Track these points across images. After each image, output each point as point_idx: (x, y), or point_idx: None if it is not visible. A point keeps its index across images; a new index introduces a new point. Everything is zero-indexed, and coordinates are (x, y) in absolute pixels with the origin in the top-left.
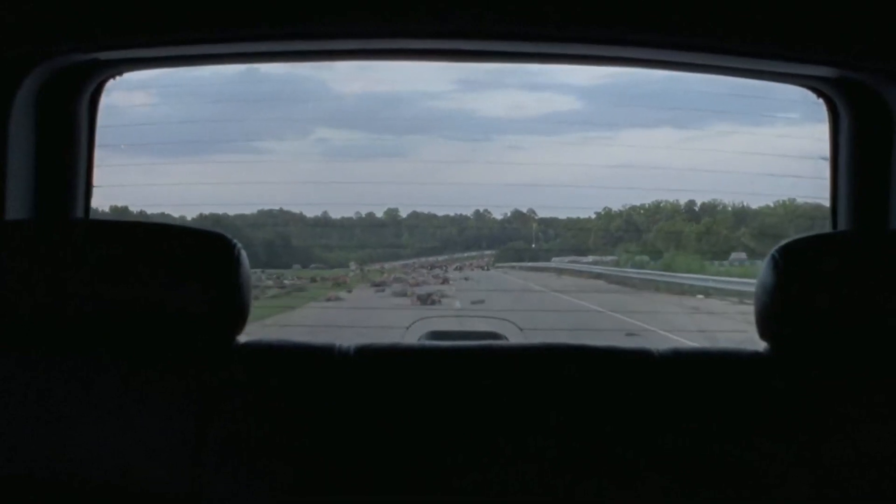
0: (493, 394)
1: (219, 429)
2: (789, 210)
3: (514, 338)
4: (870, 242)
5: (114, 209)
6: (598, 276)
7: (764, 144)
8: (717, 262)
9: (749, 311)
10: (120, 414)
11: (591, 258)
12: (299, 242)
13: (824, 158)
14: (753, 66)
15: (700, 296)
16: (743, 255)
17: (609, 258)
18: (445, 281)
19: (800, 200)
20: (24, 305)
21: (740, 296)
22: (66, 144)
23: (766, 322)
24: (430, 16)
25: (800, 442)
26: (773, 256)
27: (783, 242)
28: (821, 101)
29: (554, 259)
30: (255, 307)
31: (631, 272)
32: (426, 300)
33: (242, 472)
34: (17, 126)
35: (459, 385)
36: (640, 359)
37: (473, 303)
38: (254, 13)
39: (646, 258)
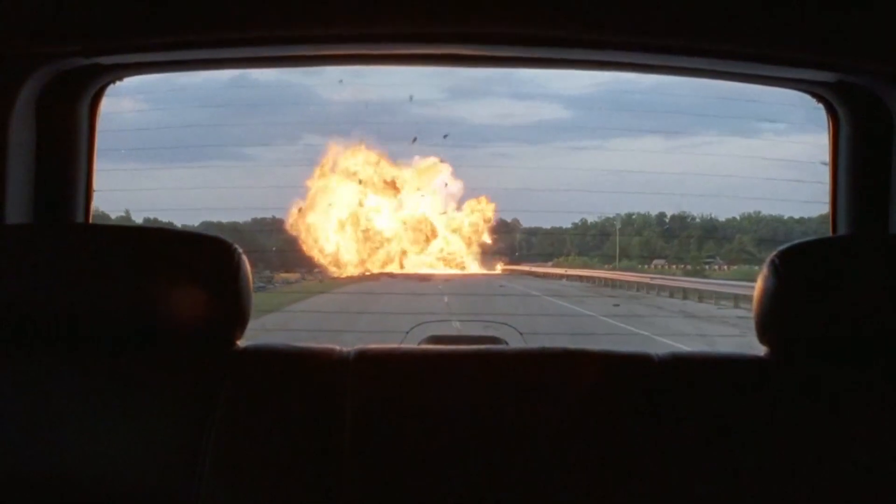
0: (492, 397)
1: (219, 431)
2: (753, 222)
3: (514, 342)
4: (869, 247)
5: (147, 220)
6: (530, 272)
7: (746, 154)
8: (644, 266)
9: (576, 286)
10: (120, 417)
11: (550, 263)
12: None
13: (824, 163)
14: (752, 71)
15: (564, 280)
16: (663, 261)
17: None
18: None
19: (764, 213)
20: (24, 308)
21: (605, 282)
22: (66, 148)
23: (766, 326)
24: (421, 21)
25: (800, 445)
26: (772, 261)
27: (783, 247)
28: (820, 106)
29: (523, 264)
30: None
31: (550, 270)
32: (422, 280)
33: (242, 475)
34: (18, 129)
35: (459, 388)
36: (640, 363)
37: (445, 281)
38: (252, 19)
39: (564, 260)
